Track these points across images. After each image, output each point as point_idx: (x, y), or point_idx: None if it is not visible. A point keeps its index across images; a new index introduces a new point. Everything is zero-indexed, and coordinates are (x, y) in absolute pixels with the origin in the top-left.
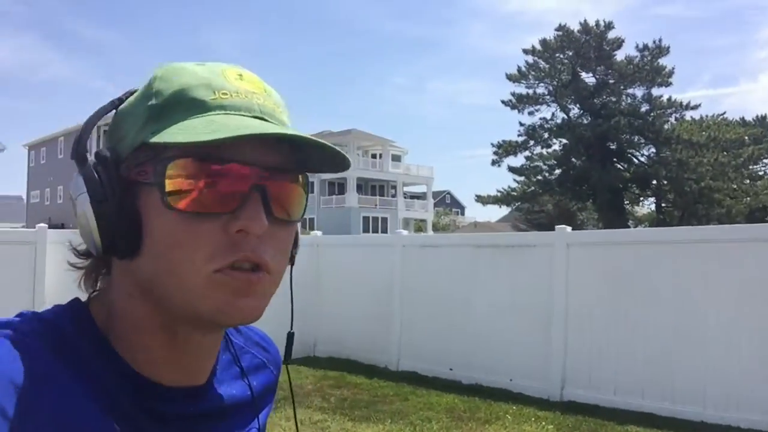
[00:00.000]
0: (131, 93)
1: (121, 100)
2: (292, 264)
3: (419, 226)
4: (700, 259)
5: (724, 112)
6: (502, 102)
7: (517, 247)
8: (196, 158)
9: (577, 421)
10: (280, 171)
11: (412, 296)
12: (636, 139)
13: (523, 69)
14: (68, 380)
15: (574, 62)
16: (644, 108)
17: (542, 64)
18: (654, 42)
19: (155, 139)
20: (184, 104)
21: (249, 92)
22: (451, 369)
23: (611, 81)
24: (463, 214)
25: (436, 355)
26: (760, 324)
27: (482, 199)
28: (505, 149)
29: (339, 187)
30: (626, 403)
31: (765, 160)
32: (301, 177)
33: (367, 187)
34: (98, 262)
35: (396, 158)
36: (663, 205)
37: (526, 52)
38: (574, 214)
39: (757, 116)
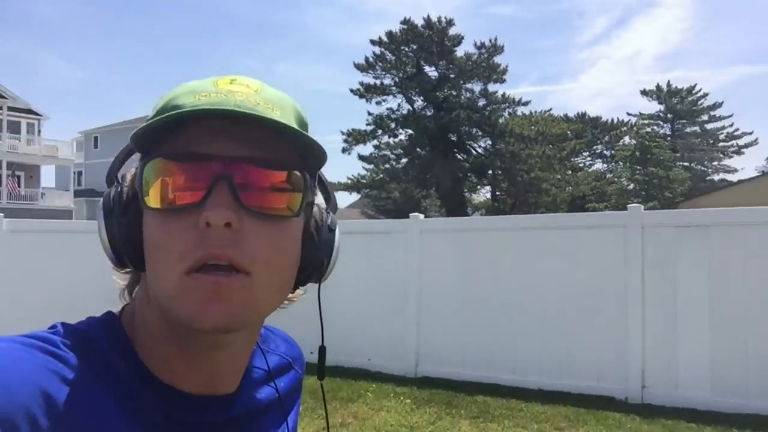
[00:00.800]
0: None
1: None
2: (320, 278)
3: None
4: (536, 244)
5: (551, 109)
6: (351, 91)
7: (374, 233)
8: (165, 157)
9: (432, 395)
10: (255, 162)
11: None
12: (474, 132)
13: (371, 59)
14: (99, 391)
15: (419, 56)
16: (481, 102)
17: (389, 55)
18: (490, 40)
19: (132, 139)
20: (166, 112)
21: (230, 91)
22: (311, 353)
23: (452, 76)
24: None
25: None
26: (587, 300)
27: (333, 186)
28: (354, 137)
29: None
30: (475, 376)
31: (584, 154)
32: (288, 171)
33: None
34: (135, 275)
35: None
36: (497, 193)
37: (373, 43)
38: (419, 201)
39: (577, 113)
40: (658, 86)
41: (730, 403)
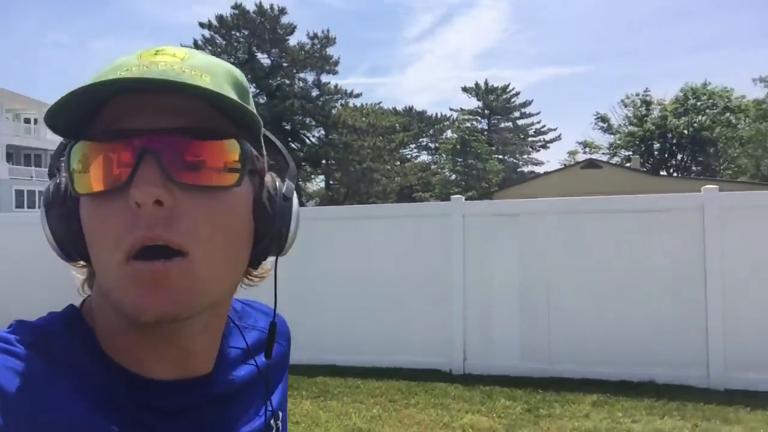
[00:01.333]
0: None
1: None
2: (279, 251)
3: None
4: (370, 232)
5: (381, 102)
6: None
7: None
8: (87, 138)
9: None
10: (184, 132)
11: None
12: (308, 121)
13: (200, 42)
14: (62, 387)
15: (251, 42)
16: (315, 93)
17: (219, 39)
18: (323, 31)
19: (45, 121)
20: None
21: (152, 62)
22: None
23: (285, 64)
24: None
25: None
26: (416, 283)
27: None
28: None
29: None
30: (320, 359)
31: (411, 146)
32: (224, 140)
33: (19, 156)
34: (91, 266)
35: None
36: (331, 182)
37: (202, 26)
38: None
39: (405, 106)
40: (476, 84)
41: (537, 368)
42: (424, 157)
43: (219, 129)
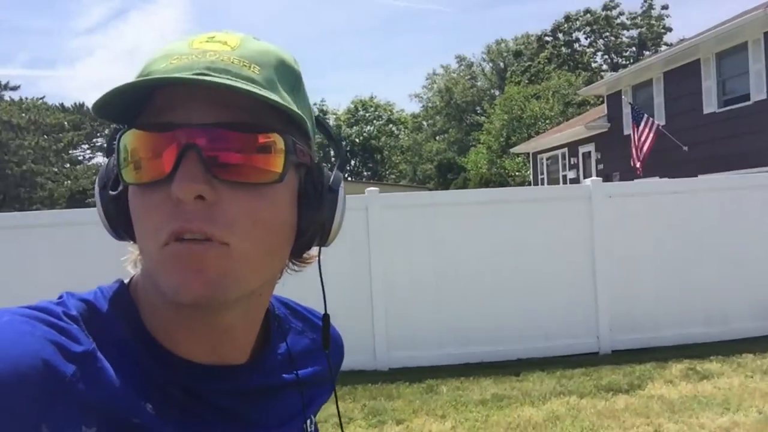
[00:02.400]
0: None
1: None
2: (322, 243)
3: None
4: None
5: (44, 96)
6: None
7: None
8: (135, 128)
9: None
10: (227, 127)
11: None
12: None
13: None
14: (101, 360)
15: None
16: None
17: None
18: None
19: (92, 109)
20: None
21: (203, 51)
22: None
23: None
24: None
25: None
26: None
27: None
28: None
29: None
30: None
31: (84, 146)
32: (268, 134)
33: None
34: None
35: None
36: None
37: None
38: None
39: (75, 103)
40: None
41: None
42: (100, 159)
43: (264, 124)
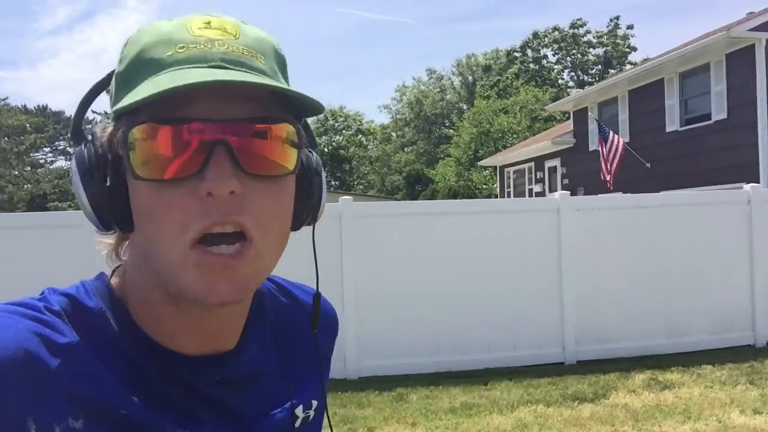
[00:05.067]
0: None
1: (114, 72)
2: (314, 220)
3: None
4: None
5: (7, 97)
6: None
7: None
8: (154, 121)
9: None
10: (251, 122)
11: None
12: None
13: None
14: (86, 353)
15: None
16: None
17: None
18: None
19: (115, 108)
20: (143, 66)
21: (210, 40)
22: None
23: None
24: None
25: None
26: None
27: None
28: None
29: None
30: None
31: (46, 149)
32: (284, 125)
33: None
34: (120, 235)
35: None
36: None
37: None
38: None
39: (38, 105)
40: None
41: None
42: (62, 163)
43: (278, 115)
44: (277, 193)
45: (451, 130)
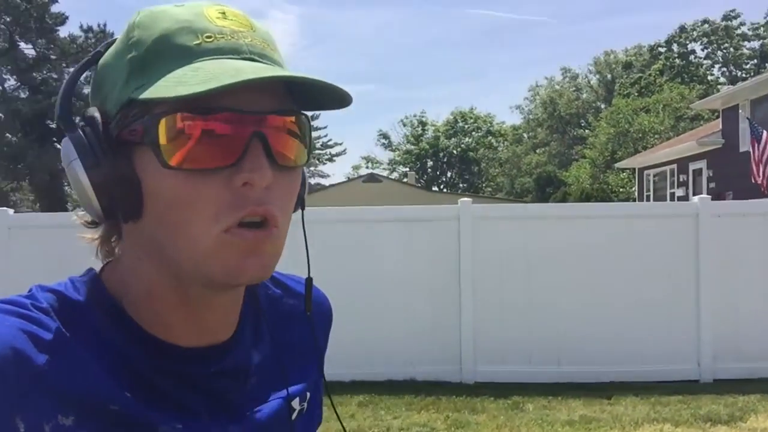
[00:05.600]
0: (110, 44)
1: (100, 53)
2: (303, 208)
3: None
4: None
5: None
6: None
7: None
8: (187, 111)
9: None
10: (279, 114)
11: None
12: None
13: None
14: (75, 349)
15: (12, 30)
16: (87, 90)
17: None
18: (99, 25)
19: (145, 95)
20: (168, 53)
21: (234, 32)
22: None
23: (53, 57)
24: None
25: None
26: None
27: None
28: None
29: None
30: None
31: None
32: (300, 118)
33: None
34: (110, 228)
35: None
36: None
37: None
38: (7, 194)
39: None
40: None
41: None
42: None
43: (295, 108)
44: (293, 182)
45: (586, 131)
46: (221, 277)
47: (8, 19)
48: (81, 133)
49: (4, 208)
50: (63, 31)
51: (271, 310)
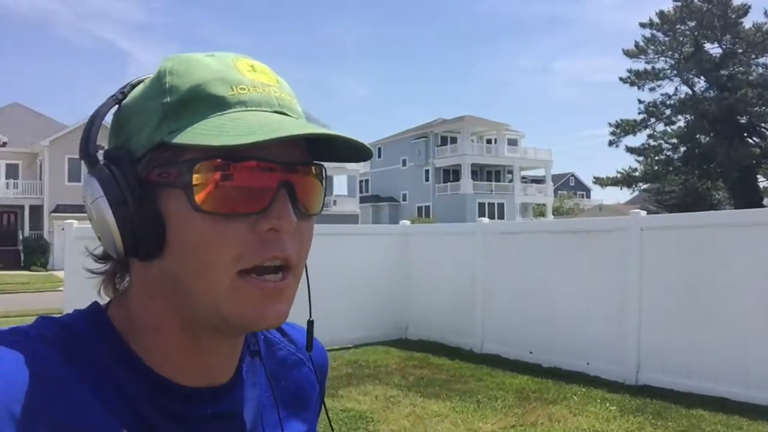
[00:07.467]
0: (133, 85)
1: (124, 94)
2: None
3: (540, 210)
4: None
5: None
6: (620, 79)
7: (592, 232)
8: (222, 158)
9: (643, 403)
10: (305, 165)
11: (493, 282)
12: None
13: (641, 44)
14: (77, 384)
15: (697, 33)
16: None
17: (661, 37)
18: None
19: (185, 141)
20: (203, 101)
21: (265, 85)
22: (531, 352)
23: (739, 51)
24: (588, 196)
25: (517, 339)
26: None
27: (601, 181)
28: (622, 128)
29: (453, 174)
30: (700, 388)
31: None
32: (319, 170)
33: (482, 173)
34: (117, 265)
35: (512, 142)
36: None
37: (643, 26)
38: (703, 193)
39: None
40: None
41: None
42: None
43: (315, 159)
44: (310, 228)
45: None
46: (238, 321)
47: (692, 24)
48: (107, 171)
49: (638, 210)
50: (747, 22)
51: (270, 354)
